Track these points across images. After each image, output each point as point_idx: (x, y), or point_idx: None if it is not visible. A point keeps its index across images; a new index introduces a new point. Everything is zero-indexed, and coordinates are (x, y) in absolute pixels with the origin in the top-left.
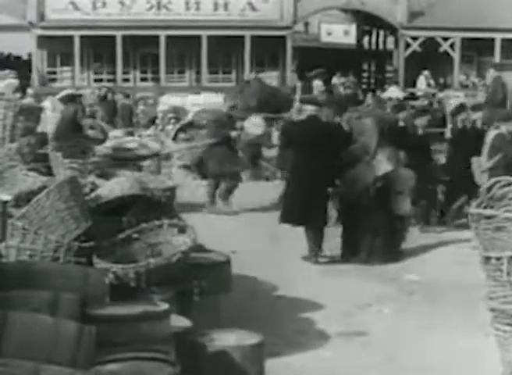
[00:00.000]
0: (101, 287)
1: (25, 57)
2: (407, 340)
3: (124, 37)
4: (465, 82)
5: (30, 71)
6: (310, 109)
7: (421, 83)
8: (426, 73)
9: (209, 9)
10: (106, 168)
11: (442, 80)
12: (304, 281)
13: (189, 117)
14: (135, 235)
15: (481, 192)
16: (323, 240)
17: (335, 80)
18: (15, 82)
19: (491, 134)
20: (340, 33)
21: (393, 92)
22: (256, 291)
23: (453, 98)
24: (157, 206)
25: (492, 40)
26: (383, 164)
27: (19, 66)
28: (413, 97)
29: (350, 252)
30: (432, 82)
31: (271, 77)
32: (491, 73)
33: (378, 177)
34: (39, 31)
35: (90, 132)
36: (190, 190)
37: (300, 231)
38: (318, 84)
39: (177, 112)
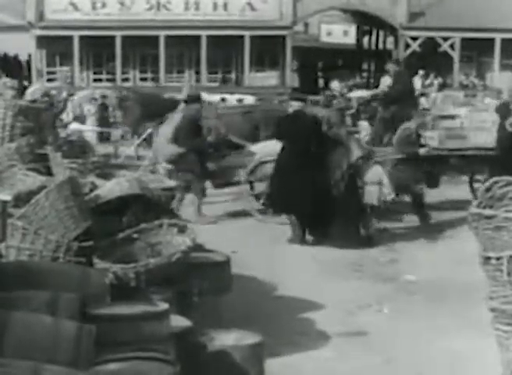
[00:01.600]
0: (100, 286)
1: (25, 57)
2: (406, 340)
3: (123, 38)
4: (465, 82)
5: (30, 70)
6: (296, 105)
7: (418, 83)
8: (421, 72)
9: (208, 9)
10: (106, 168)
11: (442, 80)
12: (304, 281)
13: None
14: (135, 235)
15: (481, 192)
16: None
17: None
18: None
19: None
20: (340, 33)
21: (358, 93)
22: (256, 291)
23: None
24: (156, 206)
25: (492, 40)
26: (355, 151)
27: (15, 65)
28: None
29: (320, 235)
30: (427, 82)
31: (270, 77)
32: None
33: (352, 163)
34: (38, 31)
35: None
36: None
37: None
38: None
39: None
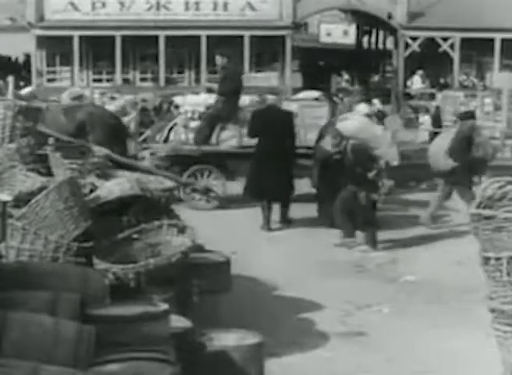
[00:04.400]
0: (100, 287)
1: (21, 57)
2: (406, 340)
3: (123, 38)
4: (465, 82)
5: (29, 71)
6: (270, 99)
7: (417, 82)
8: (421, 72)
9: (208, 9)
10: (106, 168)
11: (442, 80)
12: (304, 281)
13: None
14: (135, 235)
15: (481, 192)
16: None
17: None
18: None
19: None
20: (340, 33)
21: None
22: (255, 291)
23: None
24: (156, 207)
25: (492, 40)
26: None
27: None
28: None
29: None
30: (427, 81)
31: (270, 77)
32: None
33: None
34: (38, 31)
35: None
36: None
37: (300, 232)
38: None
39: None
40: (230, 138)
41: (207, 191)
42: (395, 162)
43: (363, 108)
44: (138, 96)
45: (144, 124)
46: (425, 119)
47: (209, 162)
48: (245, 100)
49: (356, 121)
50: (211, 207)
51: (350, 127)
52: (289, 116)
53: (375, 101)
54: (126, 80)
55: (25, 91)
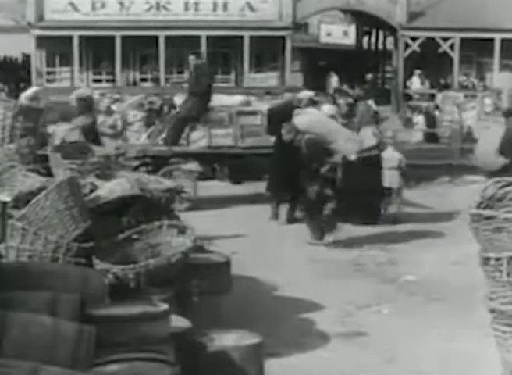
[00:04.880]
0: (100, 287)
1: (19, 57)
2: (406, 340)
3: (123, 38)
4: (465, 82)
5: (29, 71)
6: (286, 96)
7: (416, 82)
8: (418, 72)
9: (208, 10)
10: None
11: (442, 81)
12: (304, 282)
13: None
14: (135, 236)
15: (481, 193)
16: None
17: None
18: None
19: None
20: (340, 33)
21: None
22: (255, 291)
23: None
24: (156, 207)
25: (492, 40)
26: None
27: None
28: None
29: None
30: (427, 81)
31: (270, 78)
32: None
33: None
34: (38, 32)
35: None
36: None
37: (300, 232)
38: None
39: None
40: (200, 139)
41: (178, 192)
42: (352, 157)
43: (328, 109)
44: (145, 97)
45: (150, 126)
46: (419, 119)
47: (179, 162)
48: (236, 100)
49: (310, 115)
50: (184, 208)
51: (305, 121)
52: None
53: (370, 101)
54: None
55: (29, 91)
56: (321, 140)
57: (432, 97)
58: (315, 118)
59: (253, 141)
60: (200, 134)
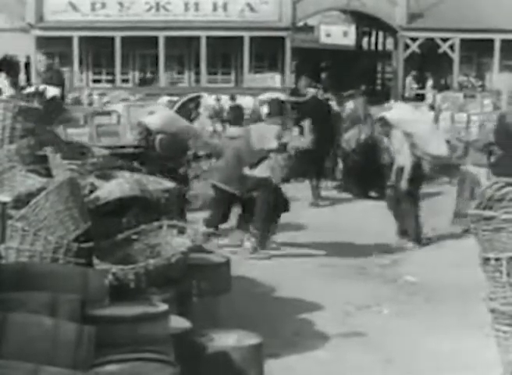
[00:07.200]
0: (100, 288)
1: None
2: (406, 341)
3: (123, 38)
4: (464, 83)
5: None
6: (311, 91)
7: (410, 83)
8: (414, 73)
9: (208, 10)
10: (105, 169)
11: (442, 81)
12: (303, 282)
13: None
14: (134, 236)
15: (481, 193)
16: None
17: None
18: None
19: None
20: (339, 34)
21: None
22: (255, 291)
23: None
24: (156, 207)
25: (492, 40)
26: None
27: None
28: None
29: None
30: (426, 82)
31: (269, 78)
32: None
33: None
34: (38, 32)
35: None
36: None
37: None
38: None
39: None
40: None
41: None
42: (201, 152)
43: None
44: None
45: None
46: None
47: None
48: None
49: (161, 114)
50: None
51: (156, 121)
52: (328, 106)
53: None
54: (142, 80)
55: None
56: (175, 139)
57: (422, 97)
58: (165, 117)
59: (109, 141)
60: None
